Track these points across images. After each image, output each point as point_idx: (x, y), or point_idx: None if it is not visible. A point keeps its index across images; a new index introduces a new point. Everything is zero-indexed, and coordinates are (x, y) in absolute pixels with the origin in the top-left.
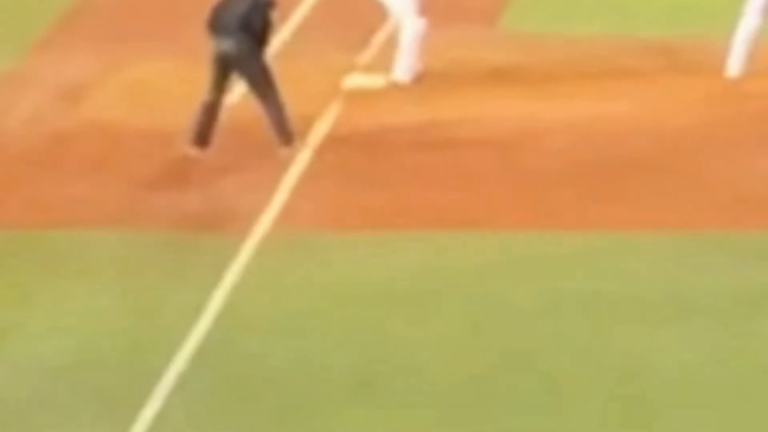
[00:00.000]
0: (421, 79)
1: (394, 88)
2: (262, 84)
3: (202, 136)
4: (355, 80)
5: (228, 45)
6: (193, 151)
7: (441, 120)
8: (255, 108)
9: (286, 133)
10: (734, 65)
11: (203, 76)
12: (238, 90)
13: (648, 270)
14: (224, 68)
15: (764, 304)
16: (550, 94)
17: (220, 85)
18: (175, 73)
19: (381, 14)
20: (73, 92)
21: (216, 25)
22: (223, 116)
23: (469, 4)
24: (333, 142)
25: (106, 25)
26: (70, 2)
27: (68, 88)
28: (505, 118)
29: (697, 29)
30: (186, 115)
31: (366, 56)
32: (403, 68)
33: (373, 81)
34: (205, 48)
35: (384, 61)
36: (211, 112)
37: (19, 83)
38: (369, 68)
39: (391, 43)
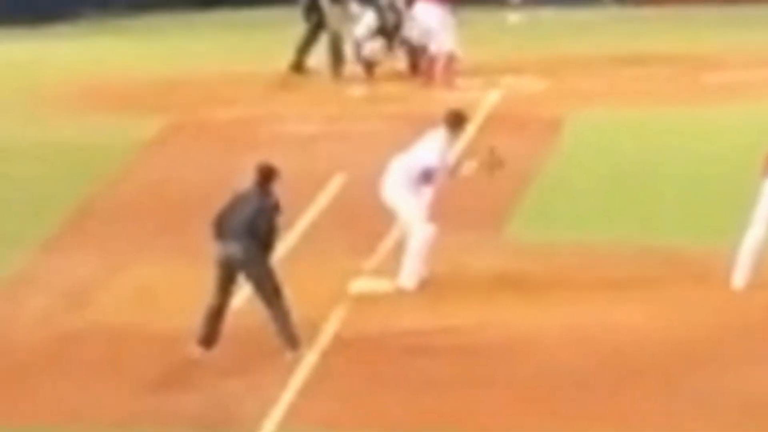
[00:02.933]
0: (427, 284)
1: (401, 293)
2: (269, 288)
3: (208, 338)
4: (362, 285)
5: (234, 249)
6: (198, 353)
7: (446, 326)
8: (261, 311)
9: (292, 337)
10: (740, 276)
11: (208, 277)
12: (243, 293)
13: None
14: (230, 272)
15: None
16: (555, 302)
17: (225, 288)
18: (180, 274)
19: (388, 219)
20: (79, 294)
21: (221, 229)
22: (229, 319)
23: (475, 211)
24: (339, 345)
25: (111, 226)
26: (75, 203)
27: (74, 290)
28: (510, 325)
29: (703, 238)
30: (190, 318)
31: (372, 261)
32: (409, 274)
33: (380, 286)
34: (209, 250)
35: (391, 266)
36: (216, 315)
37: (27, 285)
38: (375, 273)
39: (398, 248)
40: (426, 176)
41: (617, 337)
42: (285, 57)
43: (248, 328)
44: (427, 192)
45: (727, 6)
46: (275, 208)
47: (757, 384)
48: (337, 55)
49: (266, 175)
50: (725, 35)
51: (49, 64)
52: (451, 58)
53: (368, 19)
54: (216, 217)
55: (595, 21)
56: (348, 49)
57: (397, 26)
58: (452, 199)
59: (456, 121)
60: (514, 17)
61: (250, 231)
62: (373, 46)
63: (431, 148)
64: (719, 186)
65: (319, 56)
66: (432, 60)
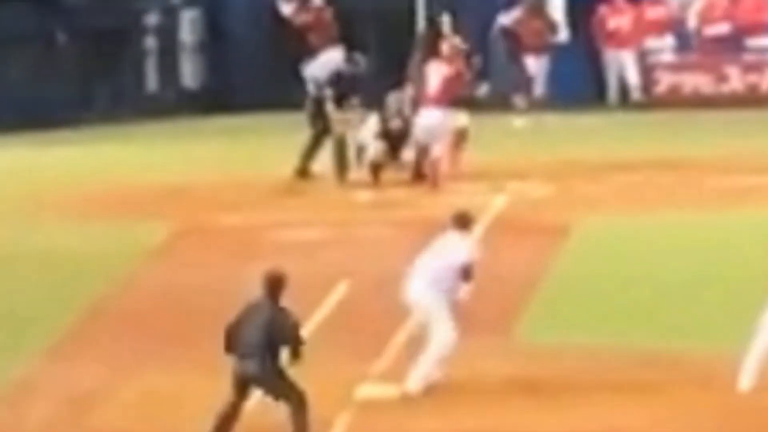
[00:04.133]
0: (434, 389)
1: (408, 397)
2: (293, 398)
3: None
4: (368, 390)
5: (251, 367)
6: None
7: (455, 430)
8: (273, 412)
9: None
10: (746, 380)
11: (216, 387)
12: (256, 395)
13: None
14: (245, 385)
15: None
16: (564, 405)
17: (242, 392)
18: (185, 382)
19: (393, 325)
20: (82, 402)
21: (236, 343)
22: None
23: (484, 315)
24: None
25: (115, 334)
26: (79, 311)
27: (78, 398)
28: (520, 429)
29: (708, 342)
30: (196, 427)
31: (378, 367)
32: (418, 378)
33: (386, 392)
34: (217, 359)
35: (397, 372)
36: (230, 416)
37: (30, 392)
38: (381, 378)
39: (405, 352)
40: (466, 273)
41: None
42: (290, 162)
43: (259, 429)
44: (466, 288)
45: (732, 111)
46: (288, 315)
47: None
48: (342, 161)
49: (275, 284)
50: (730, 140)
51: (52, 170)
52: (461, 134)
53: (371, 123)
54: (229, 329)
55: (600, 126)
56: (353, 155)
57: (404, 132)
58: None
59: (463, 222)
60: (519, 121)
61: (265, 345)
62: (376, 148)
63: (459, 246)
64: (724, 290)
65: (323, 162)
66: (436, 164)
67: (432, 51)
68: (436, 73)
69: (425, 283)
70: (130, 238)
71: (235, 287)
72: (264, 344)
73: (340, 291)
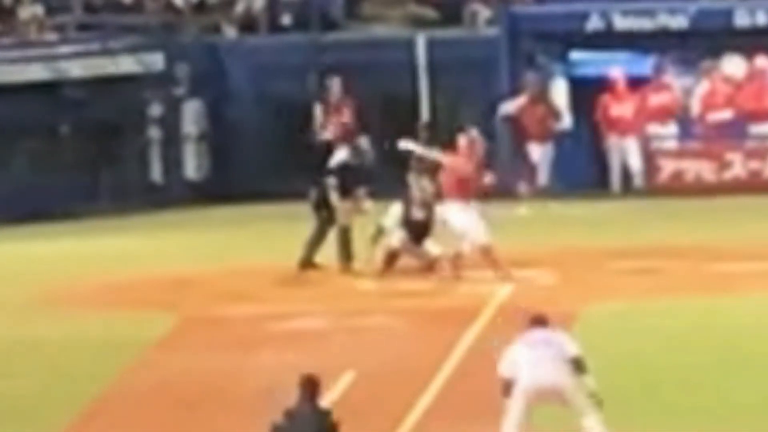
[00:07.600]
0: None
1: None
2: None
3: None
4: None
5: None
6: None
7: None
8: None
9: None
10: None
11: None
12: None
13: None
14: None
15: None
16: None
17: None
18: None
19: (400, 412)
20: None
21: None
22: None
23: (496, 403)
24: None
25: (122, 423)
26: (88, 399)
27: None
28: None
29: (713, 426)
30: None
31: None
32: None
33: None
34: None
35: None
36: None
37: None
38: None
39: None
40: (580, 365)
41: None
42: (294, 252)
43: None
44: (590, 379)
45: (734, 197)
46: (331, 416)
47: None
48: (346, 251)
49: (314, 387)
50: (733, 226)
51: (56, 262)
52: (486, 250)
53: (395, 210)
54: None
55: (603, 213)
56: (357, 245)
57: (428, 224)
58: (462, 387)
59: (545, 321)
60: (523, 210)
61: None
62: (399, 237)
63: (565, 340)
64: (731, 374)
65: (327, 252)
66: (460, 257)
67: (431, 141)
68: (464, 168)
69: (563, 369)
70: (134, 328)
71: (241, 377)
72: None
73: (345, 381)
